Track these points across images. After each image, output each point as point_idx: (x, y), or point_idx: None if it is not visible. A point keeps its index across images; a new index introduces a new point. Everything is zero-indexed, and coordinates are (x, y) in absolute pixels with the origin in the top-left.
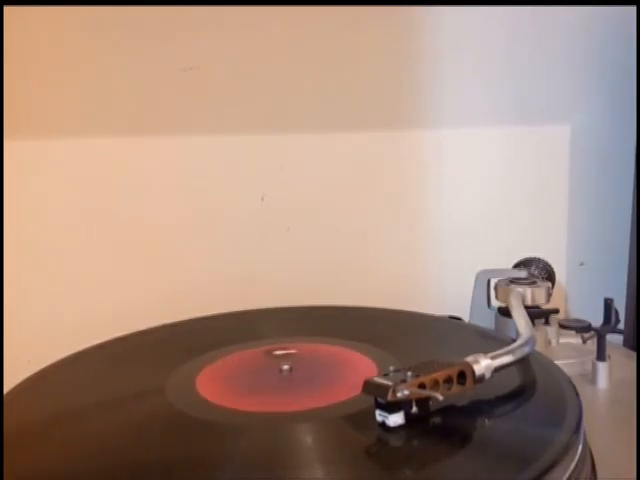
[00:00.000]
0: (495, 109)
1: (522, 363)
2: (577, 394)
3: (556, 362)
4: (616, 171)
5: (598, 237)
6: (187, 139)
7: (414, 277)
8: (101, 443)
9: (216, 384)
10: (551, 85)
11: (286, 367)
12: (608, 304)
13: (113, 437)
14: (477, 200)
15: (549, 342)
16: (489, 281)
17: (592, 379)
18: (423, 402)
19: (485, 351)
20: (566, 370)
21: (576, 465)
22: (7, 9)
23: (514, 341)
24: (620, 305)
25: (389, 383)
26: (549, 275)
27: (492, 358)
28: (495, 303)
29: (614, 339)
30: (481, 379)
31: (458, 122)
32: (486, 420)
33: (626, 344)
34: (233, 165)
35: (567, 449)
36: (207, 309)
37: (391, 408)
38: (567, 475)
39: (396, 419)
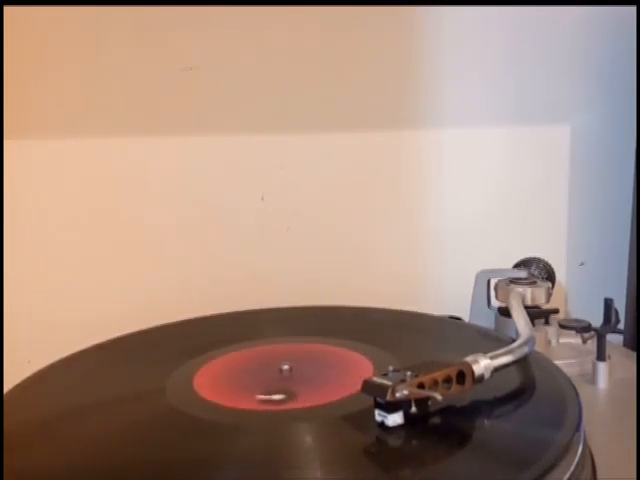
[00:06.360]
0: (495, 109)
1: (522, 363)
2: (577, 394)
3: (556, 362)
4: (616, 171)
5: (598, 237)
6: (187, 139)
7: (414, 277)
8: (101, 443)
9: (216, 384)
10: (551, 85)
11: (286, 367)
12: (608, 304)
13: (113, 437)
14: (477, 200)
15: (549, 342)
16: (489, 281)
17: (592, 379)
18: (422, 402)
19: (485, 351)
20: (566, 370)
21: (576, 465)
22: (7, 9)
23: (514, 341)
24: (620, 305)
25: (388, 383)
26: (549, 275)
27: (491, 358)
28: (495, 303)
29: (614, 339)
30: (480, 379)
31: (458, 122)
32: (486, 420)
33: (626, 344)
34: (233, 165)
35: (567, 449)
36: (207, 309)
37: (390, 408)
38: (567, 475)
39: (395, 419)
